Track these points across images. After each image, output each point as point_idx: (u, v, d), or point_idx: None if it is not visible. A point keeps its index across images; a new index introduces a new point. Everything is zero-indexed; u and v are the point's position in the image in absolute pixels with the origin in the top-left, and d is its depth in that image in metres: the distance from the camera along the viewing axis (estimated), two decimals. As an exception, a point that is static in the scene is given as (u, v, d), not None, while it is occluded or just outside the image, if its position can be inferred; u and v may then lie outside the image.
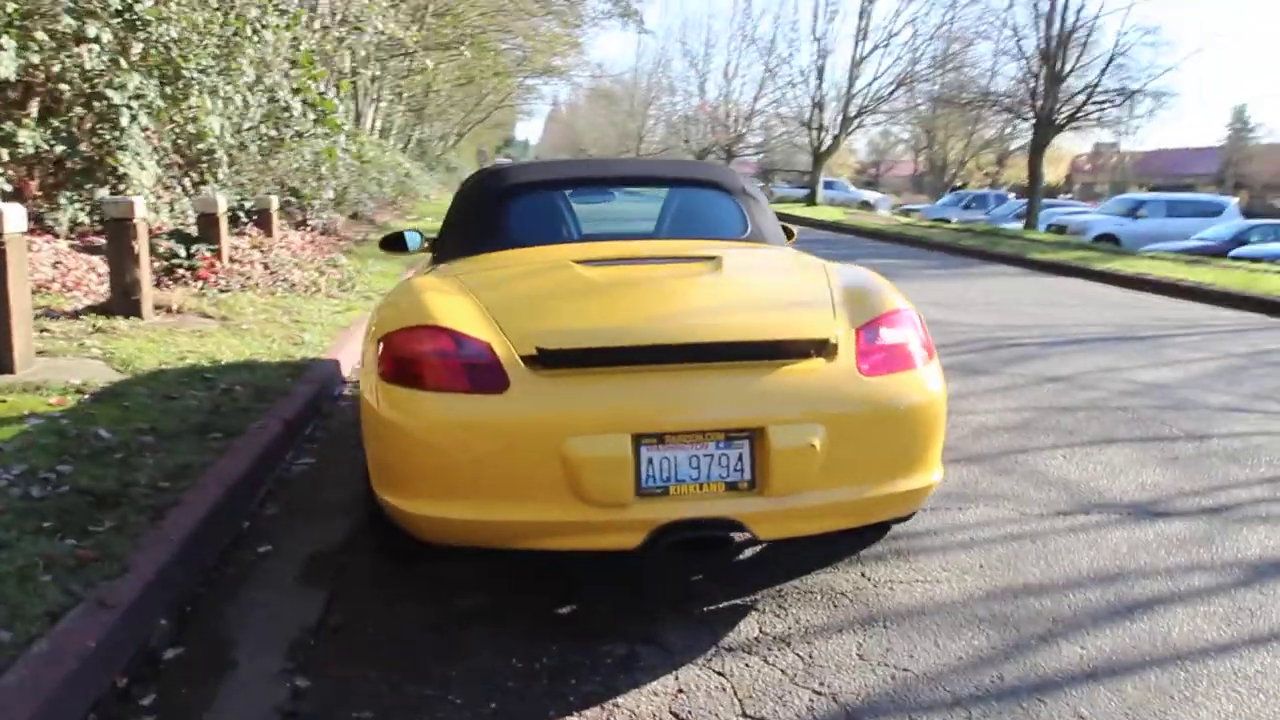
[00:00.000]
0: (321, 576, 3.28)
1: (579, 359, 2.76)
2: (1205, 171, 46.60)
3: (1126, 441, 4.89)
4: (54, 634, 2.53)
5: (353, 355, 6.66)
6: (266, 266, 9.05)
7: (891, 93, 29.35)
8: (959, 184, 49.45)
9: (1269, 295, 10.28)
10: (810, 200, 31.66)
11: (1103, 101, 21.55)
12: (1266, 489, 4.20)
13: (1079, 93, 21.31)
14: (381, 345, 3.01)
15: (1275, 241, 19.54)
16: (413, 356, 2.87)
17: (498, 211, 3.87)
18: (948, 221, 30.14)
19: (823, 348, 2.90)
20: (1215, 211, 24.85)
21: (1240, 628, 2.93)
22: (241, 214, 10.07)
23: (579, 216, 4.18)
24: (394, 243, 4.84)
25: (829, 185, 40.37)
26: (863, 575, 3.31)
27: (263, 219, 10.38)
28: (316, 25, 12.44)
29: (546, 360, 2.76)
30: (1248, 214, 27.60)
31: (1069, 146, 53.60)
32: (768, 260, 3.68)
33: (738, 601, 3.12)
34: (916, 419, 2.97)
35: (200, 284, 8.07)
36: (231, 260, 8.74)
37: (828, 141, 30.79)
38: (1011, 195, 33.64)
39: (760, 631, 2.92)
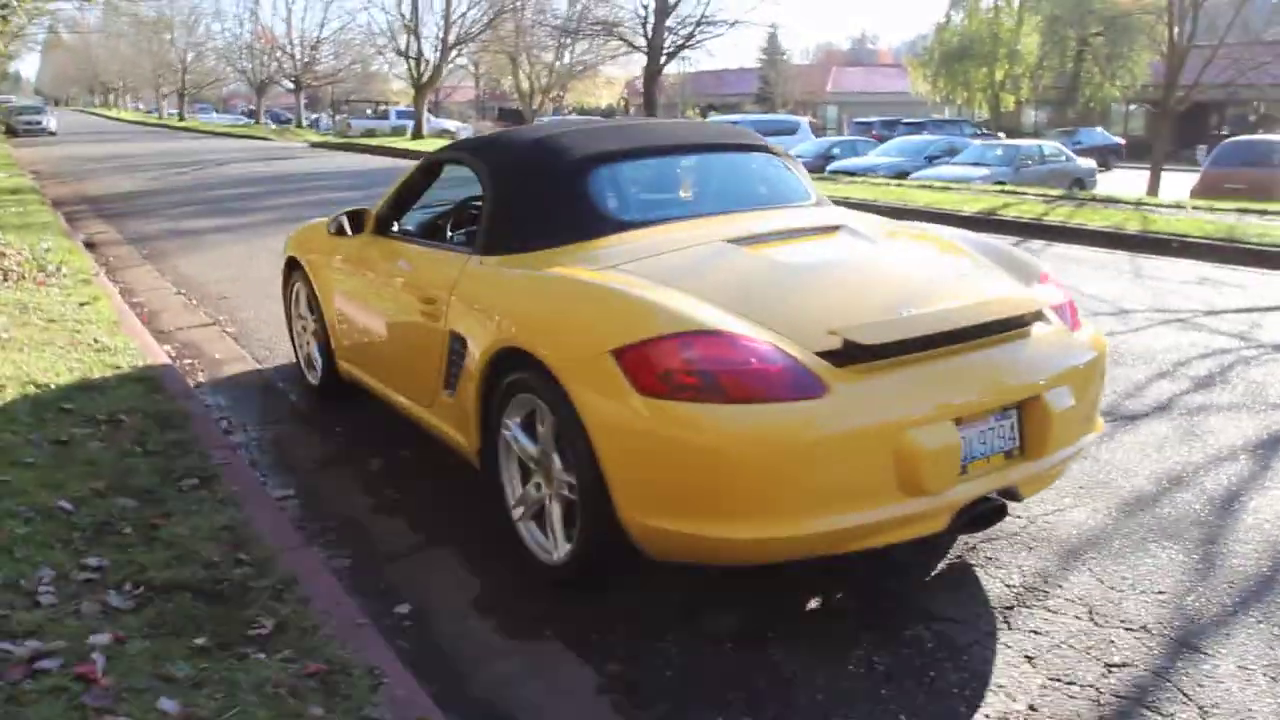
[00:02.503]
0: (532, 629, 2.86)
1: (887, 351, 2.64)
2: (747, 91, 51.79)
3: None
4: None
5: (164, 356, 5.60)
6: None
7: (490, 21, 29.09)
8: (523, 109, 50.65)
9: (929, 207, 11.90)
10: (417, 134, 30.67)
11: (702, 37, 23.12)
12: (1168, 384, 5.02)
13: (687, 23, 22.65)
14: (628, 356, 2.63)
15: (855, 156, 22.44)
16: (697, 368, 2.56)
17: (588, 190, 3.42)
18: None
19: (1042, 314, 3.04)
20: (791, 130, 27.93)
21: (1316, 503, 3.57)
22: None
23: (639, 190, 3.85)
24: (355, 222, 4.19)
25: (403, 115, 39.27)
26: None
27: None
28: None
29: (853, 355, 2.61)
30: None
31: (618, 72, 56.92)
32: (892, 229, 3.67)
33: (947, 563, 3.21)
34: (1103, 368, 3.21)
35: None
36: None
37: (428, 71, 29.87)
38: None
39: (1006, 586, 3.04)
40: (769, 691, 2.54)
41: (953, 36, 37.45)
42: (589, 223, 3.33)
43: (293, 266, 5.02)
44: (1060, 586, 3.03)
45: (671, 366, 2.58)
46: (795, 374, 2.56)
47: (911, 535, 2.71)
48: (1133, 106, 37.64)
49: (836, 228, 3.46)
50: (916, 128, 35.08)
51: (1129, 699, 2.48)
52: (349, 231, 4.18)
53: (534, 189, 3.45)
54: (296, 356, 5.21)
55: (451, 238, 4.29)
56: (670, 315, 2.68)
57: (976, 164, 19.05)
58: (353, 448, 4.33)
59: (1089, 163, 20.60)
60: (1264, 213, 10.94)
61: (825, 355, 2.62)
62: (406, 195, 4.24)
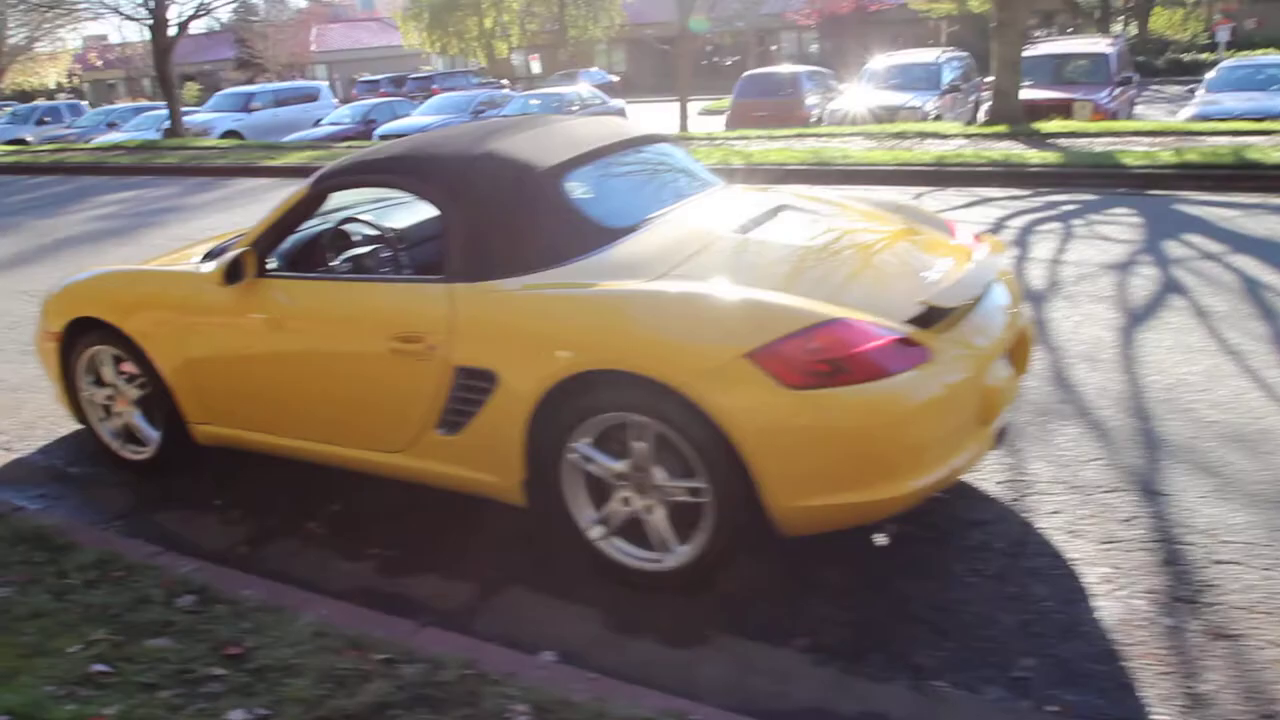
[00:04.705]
0: (693, 634, 2.95)
1: (954, 311, 3.06)
2: (225, 57, 48.14)
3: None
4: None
5: None
6: None
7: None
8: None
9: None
10: None
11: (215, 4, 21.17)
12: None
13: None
14: (763, 356, 2.79)
15: (397, 118, 22.16)
16: (827, 356, 2.80)
17: (575, 201, 3.43)
18: (25, 142, 26.65)
19: None
20: (312, 96, 26.83)
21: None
22: None
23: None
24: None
25: None
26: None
27: None
28: None
29: (930, 319, 3.00)
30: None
31: (60, 46, 50.02)
32: (825, 201, 4.04)
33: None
34: None
35: None
36: None
37: None
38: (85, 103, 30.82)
39: (998, 485, 3.68)
40: (937, 618, 2.92)
41: (440, -12, 38.03)
42: (590, 235, 3.34)
43: (81, 329, 4.22)
44: (1032, 474, 3.72)
45: (805, 359, 2.80)
46: (907, 345, 2.90)
47: (980, 459, 3.22)
48: (603, 45, 41.00)
49: (784, 205, 3.79)
50: (425, 83, 35.31)
51: (1159, 540, 3.22)
52: (242, 276, 3.67)
53: (518, 207, 3.33)
54: (97, 433, 4.38)
55: (336, 266, 3.94)
56: (787, 311, 2.88)
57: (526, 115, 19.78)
58: (267, 518, 3.86)
59: (619, 103, 22.40)
60: (817, 135, 12.90)
61: (914, 322, 2.98)
62: (287, 228, 3.81)
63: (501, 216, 3.34)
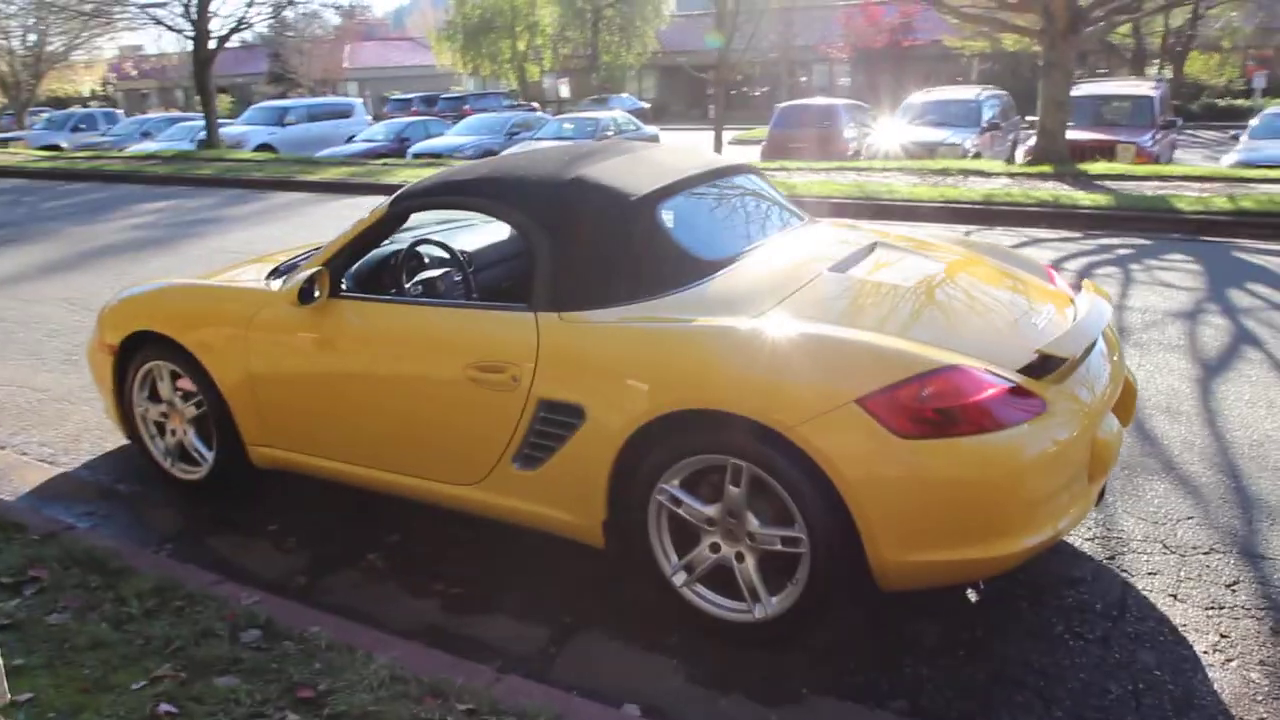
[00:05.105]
0: (786, 693, 2.79)
1: (1064, 362, 2.92)
2: (258, 71, 48.53)
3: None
4: None
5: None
6: None
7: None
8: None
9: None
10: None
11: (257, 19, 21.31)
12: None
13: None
14: (874, 402, 2.65)
15: (430, 137, 22.19)
16: (940, 405, 2.66)
17: (670, 231, 3.32)
18: (59, 148, 26.91)
19: None
20: (346, 113, 26.93)
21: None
22: None
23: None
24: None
25: None
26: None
27: None
28: None
29: (1043, 369, 2.86)
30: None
31: (98, 55, 50.67)
32: (914, 242, 3.91)
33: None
34: None
35: None
36: None
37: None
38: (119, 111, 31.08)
39: (1086, 540, 3.52)
40: (1042, 685, 2.76)
41: (475, 10, 38.20)
42: (686, 267, 3.22)
43: (138, 342, 4.11)
44: (1124, 531, 3.56)
45: (917, 407, 2.66)
46: (1022, 396, 2.76)
47: (1086, 517, 3.07)
48: (634, 71, 41.11)
49: (877, 243, 3.67)
50: (457, 103, 35.45)
51: (1267, 607, 3.05)
52: (316, 295, 3.56)
53: (611, 236, 3.21)
54: (148, 450, 4.27)
55: (410, 289, 3.83)
56: (900, 356, 2.74)
57: (560, 139, 19.79)
58: (324, 547, 3.73)
59: (654, 129, 22.38)
60: (857, 169, 12.80)
61: (1026, 371, 2.84)
62: (363, 248, 3.70)
63: (594, 245, 3.22)
